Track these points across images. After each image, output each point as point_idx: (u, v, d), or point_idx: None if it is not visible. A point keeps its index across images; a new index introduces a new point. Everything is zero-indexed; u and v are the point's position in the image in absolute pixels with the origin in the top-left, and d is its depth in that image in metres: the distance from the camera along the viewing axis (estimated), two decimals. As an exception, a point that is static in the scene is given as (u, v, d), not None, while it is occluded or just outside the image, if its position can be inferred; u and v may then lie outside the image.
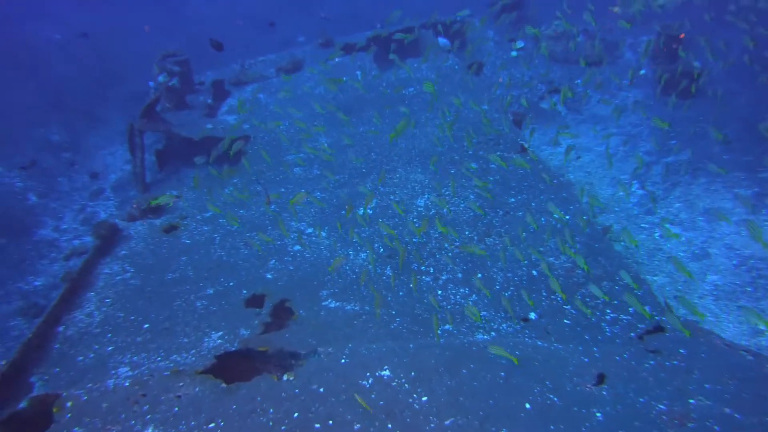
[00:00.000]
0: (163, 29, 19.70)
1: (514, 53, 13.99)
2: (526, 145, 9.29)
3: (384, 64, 12.91)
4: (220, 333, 6.26)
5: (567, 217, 7.75)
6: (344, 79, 12.32)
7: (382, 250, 7.70)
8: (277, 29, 19.85)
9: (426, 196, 8.64)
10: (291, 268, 7.44)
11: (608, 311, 6.16)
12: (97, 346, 6.29)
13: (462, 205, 8.31)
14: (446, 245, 7.61)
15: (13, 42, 17.14)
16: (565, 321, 6.10)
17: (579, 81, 13.04)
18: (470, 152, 9.44)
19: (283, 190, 9.41)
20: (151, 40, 12.96)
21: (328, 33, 14.34)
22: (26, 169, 11.28)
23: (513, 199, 8.29)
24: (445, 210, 8.26)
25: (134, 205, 9.10)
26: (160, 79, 11.54)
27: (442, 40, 12.90)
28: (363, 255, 7.63)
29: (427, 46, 12.92)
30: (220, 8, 23.28)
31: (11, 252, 9.64)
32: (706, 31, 12.14)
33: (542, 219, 7.84)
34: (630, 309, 6.09)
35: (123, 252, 8.08)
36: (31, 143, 12.57)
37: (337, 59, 13.05)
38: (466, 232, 7.86)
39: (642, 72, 12.91)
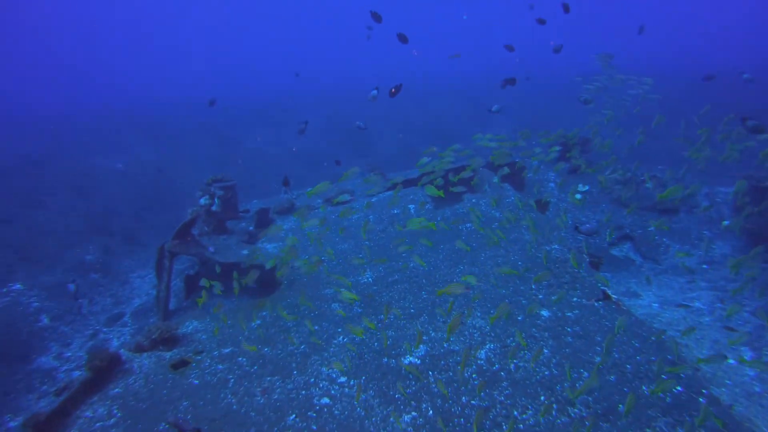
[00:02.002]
0: (222, 161, 20.45)
1: (578, 196, 13.11)
2: (609, 292, 7.77)
3: (439, 200, 12.20)
4: None
5: (679, 388, 5.90)
6: (395, 212, 11.64)
7: (431, 412, 5.97)
8: (331, 165, 20.20)
9: (488, 347, 7.04)
10: (314, 428, 5.75)
11: None
12: None
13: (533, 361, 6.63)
14: (515, 413, 5.82)
15: (76, 170, 18.02)
16: None
17: (653, 228, 11.78)
18: (540, 296, 7.97)
19: (317, 328, 8.04)
20: (207, 170, 13.02)
21: (379, 168, 14.09)
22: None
23: (599, 358, 6.56)
24: (512, 366, 6.59)
25: (146, 334, 7.87)
26: (202, 201, 11.11)
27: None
28: (407, 417, 5.91)
29: (485, 183, 12.27)
30: (275, 145, 24.40)
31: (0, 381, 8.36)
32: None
33: (643, 388, 6.01)
34: None
35: (116, 390, 6.64)
36: (63, 263, 12.03)
37: (388, 193, 12.48)
38: (542, 398, 6.08)
39: (725, 223, 11.59)
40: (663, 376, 6.00)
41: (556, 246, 9.28)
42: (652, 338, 6.65)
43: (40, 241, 12.75)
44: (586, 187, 13.44)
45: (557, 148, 9.76)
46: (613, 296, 7.69)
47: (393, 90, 9.75)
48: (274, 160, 22.25)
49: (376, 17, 11.18)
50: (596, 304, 7.56)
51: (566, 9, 11.02)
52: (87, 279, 11.53)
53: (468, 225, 10.52)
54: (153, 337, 7.78)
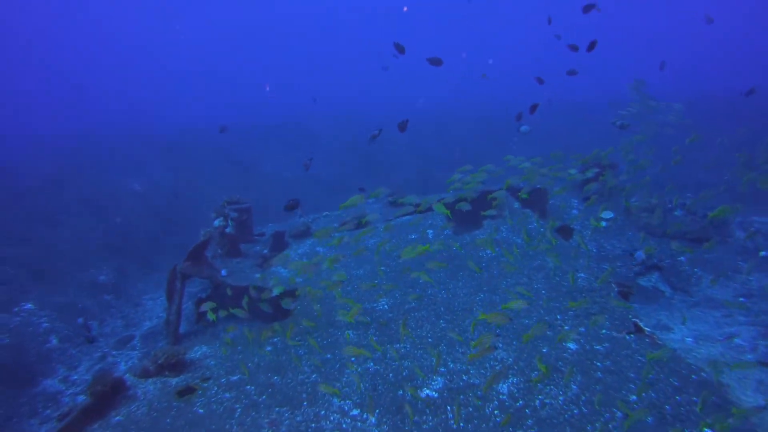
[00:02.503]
0: (239, 184, 20.40)
1: (603, 224, 12.63)
2: (641, 324, 7.26)
3: (458, 226, 11.85)
4: None
5: (728, 434, 5.35)
6: (412, 237, 11.30)
7: (451, 452, 5.53)
8: (348, 190, 20.00)
9: (510, 380, 6.58)
10: (324, 467, 5.34)
11: None
12: None
13: (561, 397, 6.15)
14: (543, 454, 5.35)
15: (94, 190, 18.13)
16: None
17: (683, 258, 11.21)
18: (566, 327, 7.49)
19: (329, 356, 7.66)
20: (224, 193, 12.95)
21: (398, 193, 13.81)
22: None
23: (635, 397, 6.04)
24: (537, 402, 6.12)
25: (152, 358, 7.58)
26: (216, 223, 10.92)
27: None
28: (424, 457, 5.48)
29: (506, 209, 11.89)
30: (292, 169, 24.33)
31: (3, 405, 8.10)
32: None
33: None
34: None
35: (118, 418, 6.32)
36: (76, 283, 11.91)
37: (406, 217, 12.17)
38: (571, 438, 5.59)
39: (762, 254, 10.99)
40: (707, 430, 5.44)
41: (581, 274, 8.81)
42: (693, 377, 6.11)
43: (55, 261, 12.69)
44: (611, 214, 12.95)
45: (595, 169, 9.41)
46: (646, 329, 7.17)
47: (400, 125, 9.63)
48: (291, 183, 22.17)
49: (399, 48, 11.05)
50: (628, 337, 7.05)
51: (589, 9, 10.59)
52: (99, 300, 11.35)
53: (489, 251, 10.12)
54: (159, 362, 7.49)
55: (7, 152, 27.38)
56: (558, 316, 7.71)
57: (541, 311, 7.91)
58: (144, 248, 14.83)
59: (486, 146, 23.71)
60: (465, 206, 8.02)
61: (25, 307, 10.62)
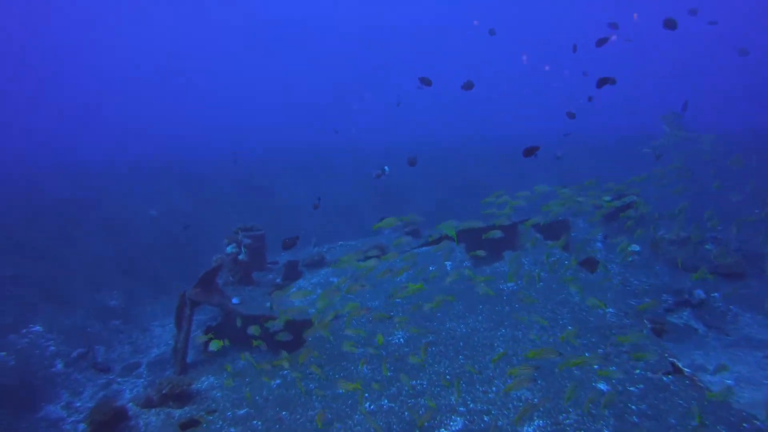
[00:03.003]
0: (256, 213, 20.33)
1: (629, 257, 12.10)
2: (680, 365, 6.71)
3: (478, 257, 11.47)
4: None
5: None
6: (431, 268, 10.91)
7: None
8: (364, 221, 19.78)
9: (536, 423, 6.06)
10: None
11: None
12: None
13: (593, 445, 5.62)
14: None
15: (113, 214, 18.20)
16: None
17: (717, 294, 10.60)
18: (596, 367, 6.96)
19: (340, 392, 7.21)
20: (240, 221, 12.81)
21: (415, 223, 13.50)
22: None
23: (676, 446, 5.48)
24: (567, 449, 5.59)
25: (156, 388, 7.23)
26: (228, 250, 10.68)
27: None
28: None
29: (526, 239, 11.49)
30: (306, 198, 24.24)
31: (4, 429, 7.78)
32: None
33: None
34: None
35: (115, 452, 5.95)
36: (86, 306, 11.71)
37: (423, 249, 11.81)
38: (606, 492, 5.04)
39: (803, 290, 10.33)
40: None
41: (610, 309, 8.30)
42: (744, 425, 5.53)
43: (67, 282, 12.54)
44: (637, 248, 12.42)
45: (634, 197, 9.02)
46: (686, 369, 6.62)
47: (410, 161, 9.52)
48: (307, 213, 21.98)
49: (426, 82, 10.94)
50: (665, 378, 6.51)
51: (603, 43, 10.30)
52: (108, 325, 11.10)
53: (510, 285, 9.67)
54: (163, 391, 7.13)
55: (35, 175, 27.96)
56: (587, 354, 7.19)
57: (568, 348, 7.40)
58: (156, 273, 14.65)
59: (510, 177, 23.35)
60: (496, 234, 7.73)
61: (34, 329, 10.41)
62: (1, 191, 23.17)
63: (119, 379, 9.39)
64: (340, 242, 14.26)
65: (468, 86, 10.31)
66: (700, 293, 10.71)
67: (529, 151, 7.63)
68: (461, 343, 7.99)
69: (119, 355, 10.16)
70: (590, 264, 10.52)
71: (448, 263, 10.92)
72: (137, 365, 9.91)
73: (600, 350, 7.25)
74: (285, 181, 27.47)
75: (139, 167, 33.24)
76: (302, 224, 20.18)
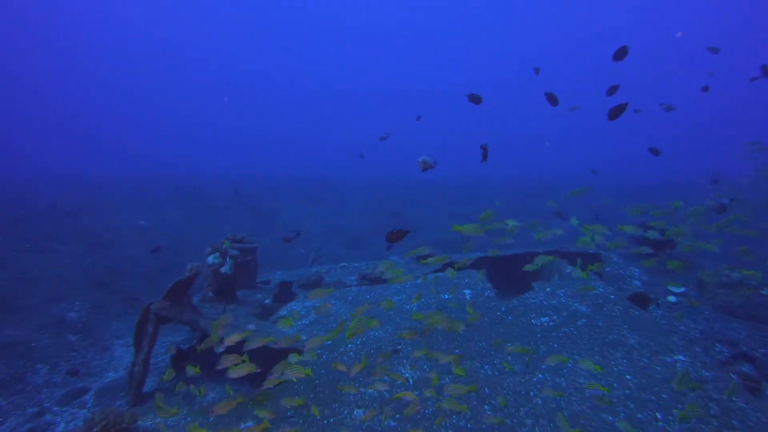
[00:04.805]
0: (256, 231, 18.94)
1: (672, 298, 10.36)
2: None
3: (503, 290, 9.80)
4: None
5: None
6: (445, 297, 9.23)
7: None
8: (370, 246, 18.37)
9: None
10: None
11: None
12: None
13: None
14: None
15: (97, 223, 16.77)
16: None
17: (785, 349, 8.80)
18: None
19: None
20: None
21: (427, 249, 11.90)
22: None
23: None
24: None
25: (87, 423, 5.48)
26: (210, 260, 9.04)
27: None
28: None
29: (555, 272, 9.84)
30: (313, 220, 22.96)
31: None
32: None
33: None
34: None
35: None
36: (41, 317, 10.00)
37: (439, 274, 10.16)
38: None
39: None
40: None
41: (680, 357, 6.56)
42: None
43: (25, 290, 10.87)
44: (682, 289, 10.69)
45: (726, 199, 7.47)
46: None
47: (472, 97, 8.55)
48: (310, 234, 20.52)
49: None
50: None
51: (620, 57, 9.17)
52: (60, 340, 9.34)
53: (544, 319, 7.94)
54: (95, 430, 5.37)
55: (19, 185, 26.86)
56: (658, 415, 5.41)
57: (631, 405, 5.63)
58: (133, 286, 12.98)
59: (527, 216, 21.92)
60: (545, 260, 6.15)
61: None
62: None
63: (56, 408, 7.58)
64: (342, 263, 12.64)
65: (475, 99, 9.07)
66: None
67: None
68: (487, 390, 6.23)
69: (64, 379, 8.37)
70: (642, 300, 8.80)
71: (467, 291, 9.23)
72: (84, 391, 8.09)
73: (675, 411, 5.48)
74: (290, 205, 26.25)
75: (141, 180, 32.18)
76: (304, 245, 18.69)
